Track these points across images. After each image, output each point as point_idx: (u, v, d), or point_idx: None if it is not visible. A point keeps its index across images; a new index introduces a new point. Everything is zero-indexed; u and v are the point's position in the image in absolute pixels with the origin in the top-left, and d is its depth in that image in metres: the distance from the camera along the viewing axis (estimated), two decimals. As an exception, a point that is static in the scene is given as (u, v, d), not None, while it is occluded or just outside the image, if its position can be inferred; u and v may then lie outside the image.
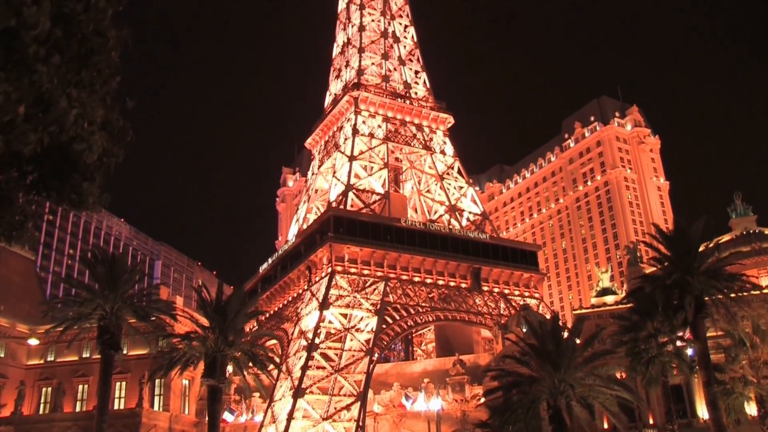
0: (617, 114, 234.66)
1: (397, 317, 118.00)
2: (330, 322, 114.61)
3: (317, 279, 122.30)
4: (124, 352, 67.88)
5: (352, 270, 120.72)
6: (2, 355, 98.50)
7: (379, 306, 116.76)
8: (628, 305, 65.49)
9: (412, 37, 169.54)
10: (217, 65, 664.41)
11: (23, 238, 12.91)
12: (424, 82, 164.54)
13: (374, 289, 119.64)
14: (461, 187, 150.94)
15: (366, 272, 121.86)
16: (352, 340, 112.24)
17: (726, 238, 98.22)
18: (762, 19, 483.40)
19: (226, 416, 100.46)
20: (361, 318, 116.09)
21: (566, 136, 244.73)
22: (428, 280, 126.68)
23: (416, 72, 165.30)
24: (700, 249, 57.58)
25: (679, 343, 60.19)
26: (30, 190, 12.33)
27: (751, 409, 70.74)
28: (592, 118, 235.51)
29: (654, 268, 65.24)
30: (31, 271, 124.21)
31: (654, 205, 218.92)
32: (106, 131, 12.37)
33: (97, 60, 11.17)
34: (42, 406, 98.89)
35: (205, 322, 56.46)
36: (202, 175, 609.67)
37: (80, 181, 12.34)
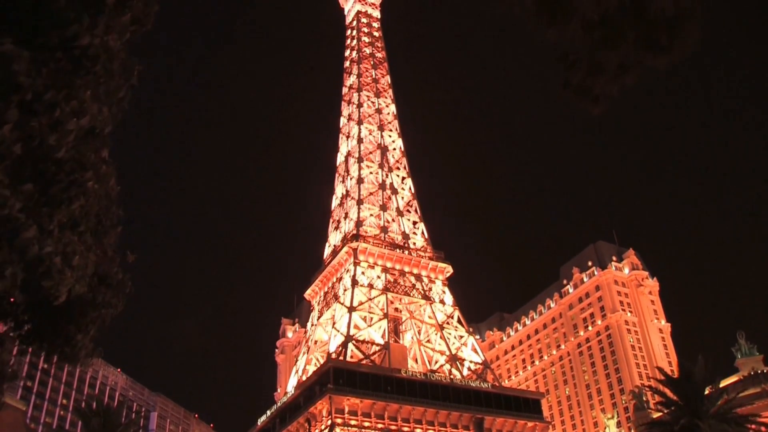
0: (614, 258, 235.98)
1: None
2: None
3: (317, 431, 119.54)
4: None
5: (353, 422, 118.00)
6: None
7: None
8: (638, 452, 63.82)
9: (410, 188, 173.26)
10: (215, 216, 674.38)
11: None
12: (423, 232, 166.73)
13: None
14: (461, 336, 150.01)
15: (367, 424, 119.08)
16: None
17: (734, 379, 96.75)
18: (751, 152, 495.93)
19: None
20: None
21: (565, 282, 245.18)
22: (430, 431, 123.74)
23: (414, 222, 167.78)
24: (707, 392, 56.76)
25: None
26: (24, 340, 12.12)
27: None
28: (590, 263, 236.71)
29: (661, 413, 64.02)
30: (20, 422, 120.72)
31: (657, 347, 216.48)
32: (104, 284, 12.42)
33: (76, 193, 10.64)
34: None
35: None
36: (200, 326, 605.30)
37: (74, 332, 12.03)
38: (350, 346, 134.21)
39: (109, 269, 12.61)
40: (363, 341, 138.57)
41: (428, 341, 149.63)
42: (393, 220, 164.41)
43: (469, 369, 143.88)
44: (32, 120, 9.54)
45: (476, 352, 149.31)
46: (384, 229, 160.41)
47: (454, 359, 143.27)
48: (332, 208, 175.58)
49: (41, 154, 9.97)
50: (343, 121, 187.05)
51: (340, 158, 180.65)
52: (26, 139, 9.59)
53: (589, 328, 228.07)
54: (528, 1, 8.64)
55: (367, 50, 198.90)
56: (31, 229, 9.99)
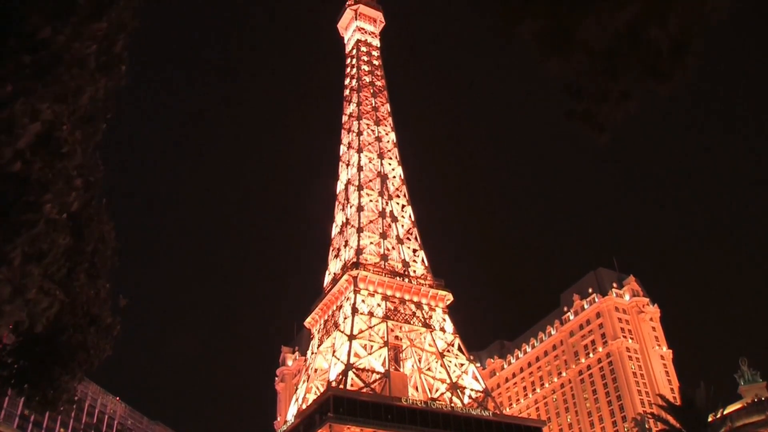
0: (615, 285, 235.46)
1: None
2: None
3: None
4: None
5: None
6: None
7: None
8: (642, 481, 63.28)
9: (410, 216, 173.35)
10: (215, 243, 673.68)
11: None
12: (423, 260, 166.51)
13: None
14: (462, 364, 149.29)
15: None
16: None
17: (737, 406, 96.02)
18: (753, 177, 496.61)
19: None
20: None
21: (565, 309, 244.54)
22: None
23: (414, 250, 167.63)
24: (710, 419, 56.39)
25: None
26: (7, 382, 11.89)
27: None
28: (590, 290, 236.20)
29: (664, 441, 63.49)
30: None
31: (659, 374, 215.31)
32: (94, 325, 12.23)
33: (35, 219, 9.76)
34: None
35: None
36: (200, 354, 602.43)
37: (60, 374, 11.77)
38: (350, 374, 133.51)
39: (101, 312, 12.45)
40: (363, 369, 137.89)
41: (429, 369, 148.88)
42: (393, 248, 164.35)
43: (470, 397, 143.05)
44: None
45: (477, 379, 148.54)
46: (384, 257, 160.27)
47: (455, 387, 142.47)
48: (332, 236, 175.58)
49: None
50: (342, 149, 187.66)
51: (340, 186, 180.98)
52: None
53: (590, 355, 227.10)
54: (530, 33, 8.71)
55: (367, 78, 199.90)
56: None
